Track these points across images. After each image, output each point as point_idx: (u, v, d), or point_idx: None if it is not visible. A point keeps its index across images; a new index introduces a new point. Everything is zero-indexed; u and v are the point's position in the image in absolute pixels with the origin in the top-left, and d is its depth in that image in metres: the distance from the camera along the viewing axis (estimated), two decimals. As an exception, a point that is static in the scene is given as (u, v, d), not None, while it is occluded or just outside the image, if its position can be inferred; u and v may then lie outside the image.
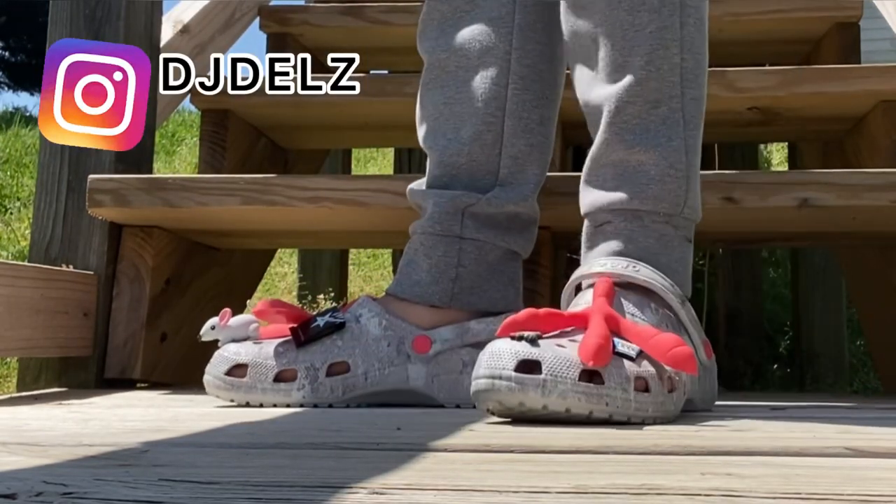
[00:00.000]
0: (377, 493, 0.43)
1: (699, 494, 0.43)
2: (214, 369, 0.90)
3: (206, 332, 0.93)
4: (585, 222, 0.89)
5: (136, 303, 1.18)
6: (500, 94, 0.95)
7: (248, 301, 1.55)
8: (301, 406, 0.89)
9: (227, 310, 0.93)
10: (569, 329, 0.76)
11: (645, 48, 0.85)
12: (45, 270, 1.11)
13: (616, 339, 0.74)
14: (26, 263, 1.13)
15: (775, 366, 2.78)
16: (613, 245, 0.85)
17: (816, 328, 2.50)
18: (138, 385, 1.18)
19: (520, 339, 0.71)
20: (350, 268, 3.13)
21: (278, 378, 0.88)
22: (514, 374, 0.69)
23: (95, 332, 1.16)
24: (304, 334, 0.90)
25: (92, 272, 1.17)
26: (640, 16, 0.85)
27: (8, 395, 1.07)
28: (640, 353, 0.75)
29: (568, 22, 0.91)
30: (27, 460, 0.53)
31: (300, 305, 2.46)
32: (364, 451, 0.58)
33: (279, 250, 2.67)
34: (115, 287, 1.19)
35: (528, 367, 0.70)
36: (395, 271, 2.67)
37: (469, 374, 0.88)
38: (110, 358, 1.16)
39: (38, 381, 1.16)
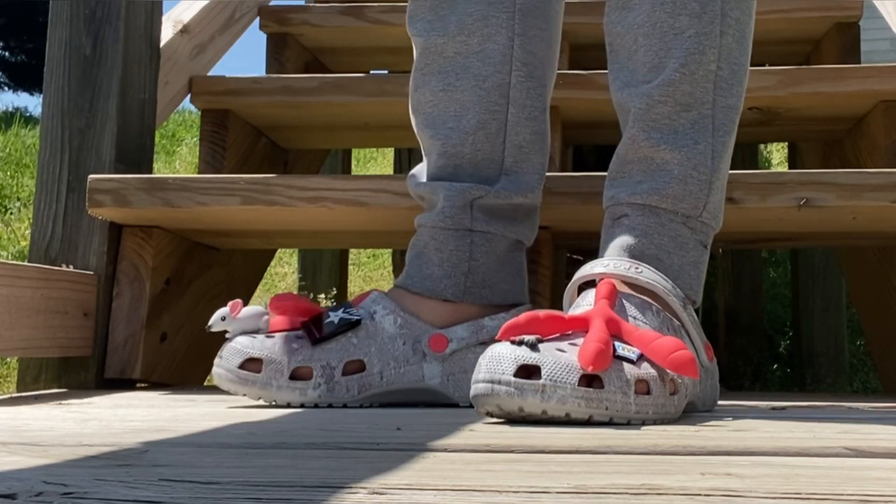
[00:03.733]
0: (377, 493, 0.43)
1: (699, 494, 0.43)
2: (227, 362, 0.87)
3: (215, 322, 0.90)
4: (605, 214, 0.89)
5: (136, 303, 1.18)
6: (503, 81, 0.94)
7: (249, 300, 1.55)
8: (316, 406, 0.87)
9: (239, 301, 0.91)
10: (570, 332, 0.76)
11: (681, 51, 0.86)
12: (45, 270, 1.11)
13: (616, 343, 0.74)
14: (26, 263, 1.13)
15: (775, 366, 2.78)
16: (628, 239, 0.85)
17: (816, 328, 2.50)
18: (138, 385, 1.18)
19: (520, 343, 0.71)
20: (350, 268, 3.12)
21: (294, 376, 0.87)
22: (513, 378, 0.69)
23: (95, 332, 1.16)
24: (319, 331, 0.88)
25: (92, 272, 1.17)
26: (681, 20, 0.86)
27: (8, 395, 1.07)
28: (641, 356, 0.74)
29: (612, 20, 0.91)
30: (27, 460, 0.53)
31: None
32: (364, 451, 0.58)
33: (279, 250, 2.67)
34: (115, 287, 1.19)
35: (528, 371, 0.70)
36: (395, 271, 2.68)
37: None
38: (110, 358, 1.16)
39: (38, 381, 1.16)
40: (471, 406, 0.86)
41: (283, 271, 3.34)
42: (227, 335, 0.90)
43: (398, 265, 2.55)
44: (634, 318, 0.78)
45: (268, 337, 0.88)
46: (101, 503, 0.42)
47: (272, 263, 2.24)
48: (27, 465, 0.52)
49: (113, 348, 1.17)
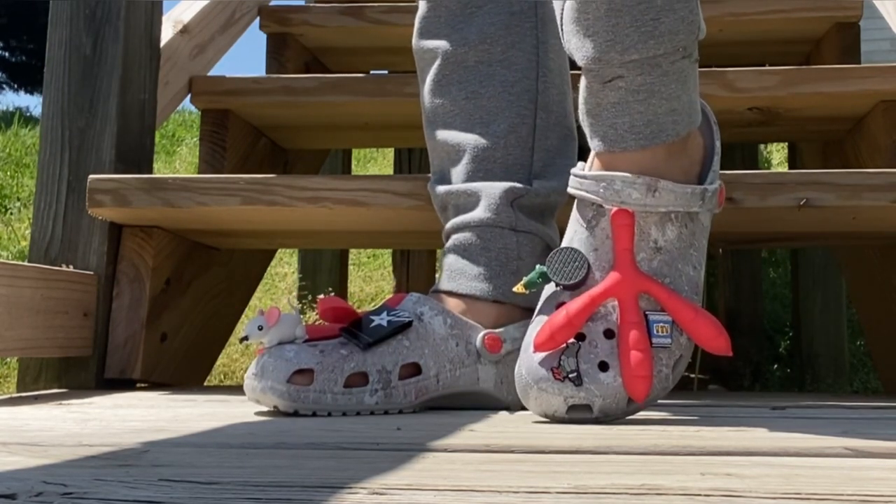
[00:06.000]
0: (377, 493, 0.43)
1: (699, 494, 0.43)
2: (272, 375, 0.79)
3: (252, 333, 0.82)
4: (586, 77, 0.79)
5: (136, 303, 1.18)
6: (531, 87, 0.94)
7: (249, 300, 1.55)
8: (371, 413, 0.82)
9: (275, 307, 0.83)
10: (600, 308, 0.76)
11: None
12: (45, 270, 1.11)
13: (651, 322, 0.75)
14: (26, 263, 1.13)
15: (775, 366, 2.78)
16: (634, 105, 0.76)
17: (816, 328, 2.50)
18: (138, 385, 1.18)
19: (564, 378, 0.74)
20: (350, 268, 3.12)
21: (348, 383, 0.81)
22: (566, 416, 0.75)
23: (95, 332, 1.16)
24: (367, 335, 0.83)
25: (92, 272, 1.17)
26: None
27: (8, 395, 1.07)
28: (673, 326, 0.76)
29: None
30: (27, 460, 0.53)
31: (301, 305, 2.46)
32: (364, 451, 0.58)
33: (279, 250, 2.67)
34: (115, 287, 1.19)
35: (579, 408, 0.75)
36: (395, 271, 2.67)
37: None
38: (110, 358, 1.16)
39: (38, 381, 1.16)
40: (523, 408, 0.83)
41: (283, 271, 3.34)
42: (263, 345, 0.82)
43: (398, 265, 2.55)
44: (656, 241, 0.78)
45: (310, 345, 0.82)
46: (101, 503, 0.42)
47: (272, 263, 2.24)
48: (27, 465, 0.52)
49: (113, 348, 1.17)
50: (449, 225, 0.94)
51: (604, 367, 0.75)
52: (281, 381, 0.79)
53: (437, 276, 2.35)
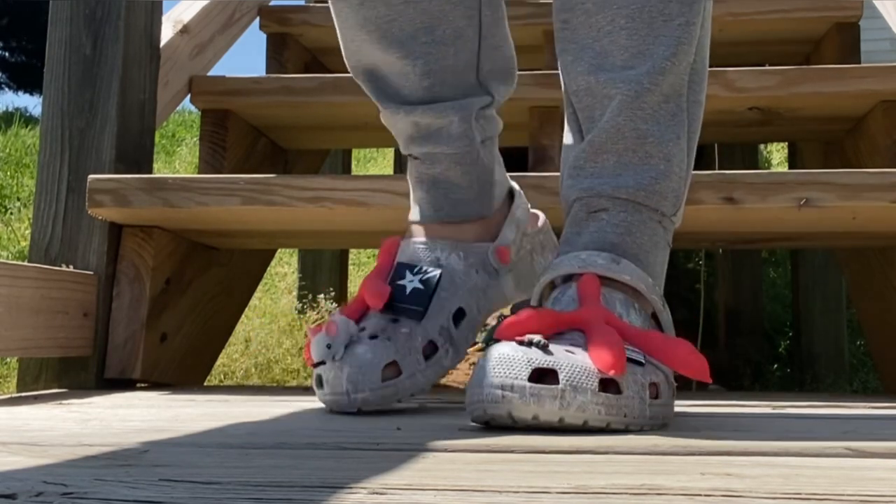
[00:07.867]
0: (377, 493, 0.43)
1: (699, 494, 0.43)
2: (367, 378, 0.78)
3: (323, 353, 0.80)
4: (575, 206, 0.83)
5: (136, 303, 1.18)
6: None
7: (249, 300, 1.55)
8: (448, 371, 0.85)
9: (333, 319, 0.81)
10: (566, 331, 0.71)
11: (671, 39, 0.80)
12: (45, 270, 1.11)
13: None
14: (26, 263, 1.12)
15: (775, 366, 2.78)
16: (610, 236, 0.80)
17: (816, 328, 2.50)
18: (138, 385, 1.18)
19: (529, 343, 0.66)
20: (350, 268, 3.12)
21: (426, 356, 0.83)
22: (528, 384, 0.63)
23: (95, 332, 1.16)
24: (413, 304, 0.83)
25: (92, 272, 1.17)
26: (671, 6, 0.81)
27: (8, 395, 1.07)
28: (646, 358, 0.71)
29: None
30: (27, 460, 0.54)
31: (300, 305, 2.46)
32: (364, 451, 0.58)
33: (279, 250, 2.67)
34: (115, 287, 1.19)
35: (542, 375, 0.64)
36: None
37: (538, 256, 0.92)
38: (110, 358, 1.16)
39: (38, 381, 1.16)
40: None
41: (283, 271, 3.34)
42: (335, 356, 0.80)
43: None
44: (620, 315, 0.74)
45: (371, 338, 0.81)
46: (101, 503, 0.42)
47: (272, 263, 2.24)
48: (27, 465, 0.52)
49: (113, 348, 1.17)
50: (420, 148, 0.91)
51: (571, 353, 0.68)
52: (379, 382, 0.79)
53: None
